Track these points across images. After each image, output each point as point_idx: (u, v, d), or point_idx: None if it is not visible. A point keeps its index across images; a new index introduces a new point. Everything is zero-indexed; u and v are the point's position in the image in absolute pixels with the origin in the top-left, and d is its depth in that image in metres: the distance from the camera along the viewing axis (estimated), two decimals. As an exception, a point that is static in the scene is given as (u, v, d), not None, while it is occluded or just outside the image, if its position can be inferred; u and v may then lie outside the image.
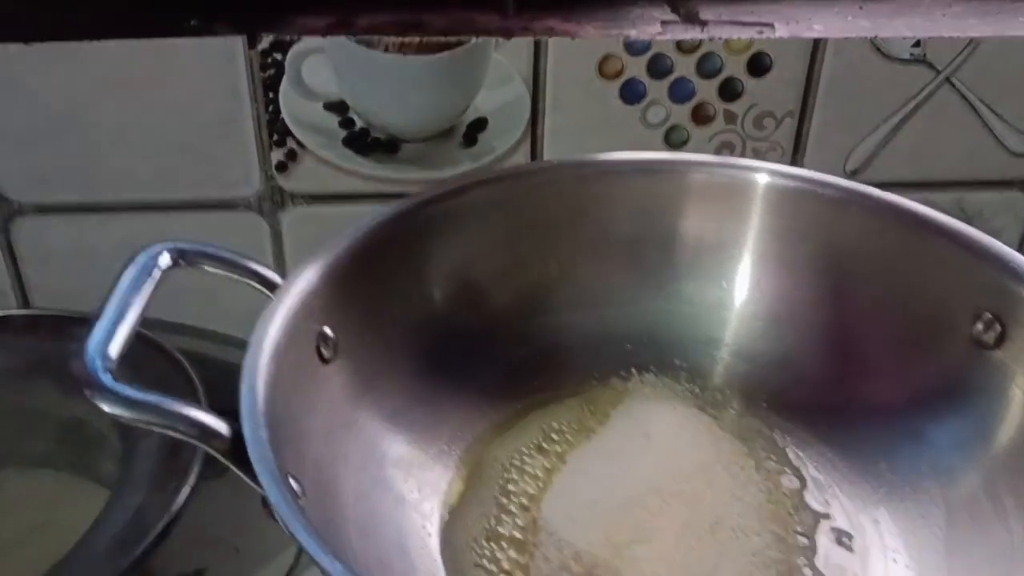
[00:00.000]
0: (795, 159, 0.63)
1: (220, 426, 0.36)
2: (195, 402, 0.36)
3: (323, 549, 0.31)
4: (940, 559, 0.42)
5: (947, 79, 0.61)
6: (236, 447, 0.35)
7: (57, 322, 0.61)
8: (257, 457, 0.34)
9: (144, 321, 0.61)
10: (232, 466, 0.36)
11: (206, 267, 0.43)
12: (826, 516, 0.46)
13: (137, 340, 0.58)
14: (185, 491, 0.49)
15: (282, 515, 0.32)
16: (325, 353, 0.43)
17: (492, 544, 0.44)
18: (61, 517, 0.54)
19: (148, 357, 0.57)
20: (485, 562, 0.43)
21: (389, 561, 0.41)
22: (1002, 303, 0.44)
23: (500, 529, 0.45)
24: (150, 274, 0.40)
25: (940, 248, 0.47)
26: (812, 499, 0.46)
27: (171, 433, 0.35)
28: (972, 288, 0.46)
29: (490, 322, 0.51)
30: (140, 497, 0.51)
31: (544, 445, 0.49)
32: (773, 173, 0.50)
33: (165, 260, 0.41)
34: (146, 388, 0.53)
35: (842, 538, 0.45)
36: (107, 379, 0.35)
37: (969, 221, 0.65)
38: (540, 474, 0.48)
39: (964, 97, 0.62)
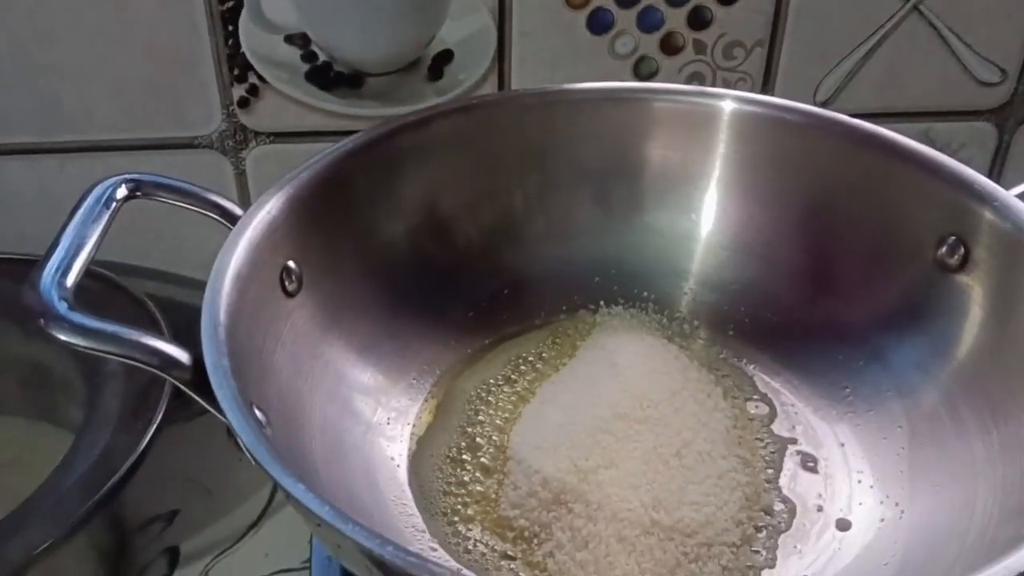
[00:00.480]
0: (765, 89, 0.63)
1: (181, 355, 0.35)
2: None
3: (287, 473, 0.31)
4: (903, 478, 0.43)
5: (915, 7, 0.61)
6: (198, 376, 0.35)
7: (18, 266, 0.60)
8: (219, 384, 0.34)
9: (110, 265, 0.60)
10: (194, 396, 0.35)
11: (164, 199, 0.42)
12: (792, 440, 0.46)
13: (102, 283, 0.58)
14: (151, 431, 0.49)
15: (245, 441, 0.32)
16: (289, 286, 0.43)
17: (460, 473, 0.44)
18: (26, 461, 0.54)
19: (112, 300, 0.57)
20: (453, 489, 0.43)
21: (356, 490, 0.41)
22: (966, 226, 0.44)
23: (468, 458, 0.45)
24: (107, 206, 0.40)
25: (907, 173, 0.47)
26: (778, 424, 0.47)
27: (130, 362, 0.35)
28: (937, 212, 0.46)
29: (457, 255, 0.50)
30: (105, 438, 0.50)
31: (512, 376, 0.49)
32: (739, 100, 0.50)
33: (121, 191, 0.40)
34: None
35: (807, 461, 0.45)
36: (62, 307, 0.34)
37: (938, 151, 0.66)
38: (508, 405, 0.48)
39: (933, 26, 0.61)
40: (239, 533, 0.52)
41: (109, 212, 0.39)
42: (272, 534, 0.52)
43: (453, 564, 0.39)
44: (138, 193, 0.41)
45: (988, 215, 0.44)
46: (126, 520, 0.53)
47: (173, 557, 0.51)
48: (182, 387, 0.35)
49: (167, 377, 0.35)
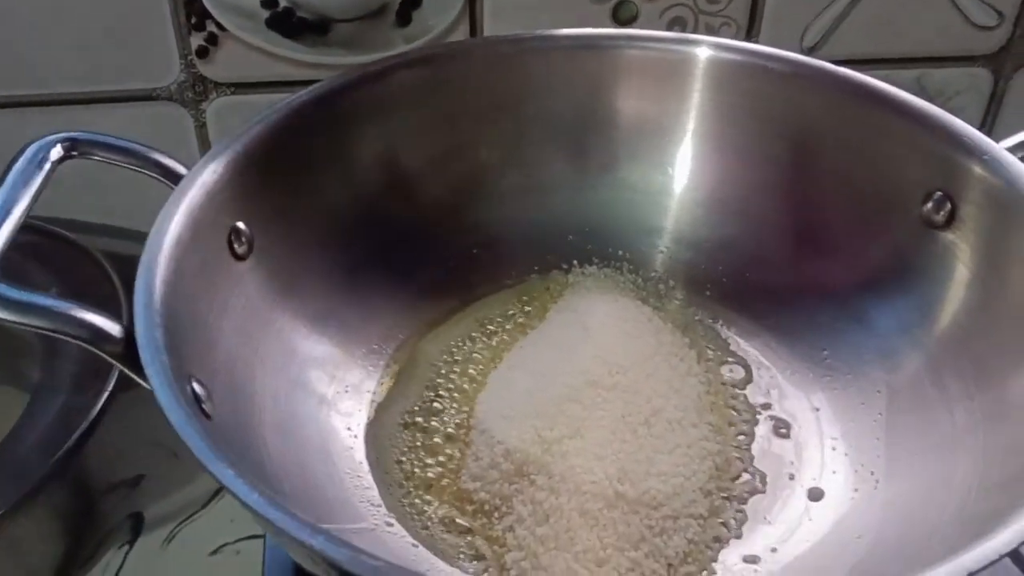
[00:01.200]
0: (750, 34, 0.60)
1: (112, 328, 0.33)
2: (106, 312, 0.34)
3: (216, 455, 0.29)
4: (880, 446, 0.41)
5: (909, -54, 0.58)
6: (130, 350, 0.33)
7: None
8: (149, 359, 0.32)
9: (69, 223, 0.58)
10: (127, 371, 0.33)
11: (103, 158, 0.40)
12: (766, 406, 0.44)
13: (58, 243, 0.56)
14: (105, 393, 0.47)
15: (172, 421, 0.30)
16: (238, 249, 0.41)
17: (421, 443, 0.43)
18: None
19: (69, 259, 0.55)
20: (413, 460, 0.42)
21: (310, 463, 0.40)
22: (954, 181, 0.42)
23: (429, 427, 0.43)
24: (39, 167, 0.37)
25: (893, 124, 0.44)
26: (752, 389, 0.45)
27: (60, 336, 0.33)
28: (924, 165, 0.44)
29: (422, 214, 0.48)
30: (62, 400, 0.49)
31: (480, 340, 0.48)
32: (716, 47, 0.47)
33: (56, 152, 0.38)
34: (36, 289, 0.52)
35: (780, 427, 0.43)
36: (-14, 280, 0.32)
37: (930, 100, 0.63)
38: (474, 371, 0.46)
39: (927, -35, 0.58)
40: (205, 498, 0.50)
41: (43, 174, 0.37)
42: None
43: (383, 559, 0.37)
44: (74, 153, 0.39)
45: (977, 169, 0.41)
46: (88, 485, 0.52)
47: (137, 522, 0.50)
48: (114, 362, 0.33)
49: (99, 352, 0.33)
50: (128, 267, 0.55)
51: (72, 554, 0.48)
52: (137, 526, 0.49)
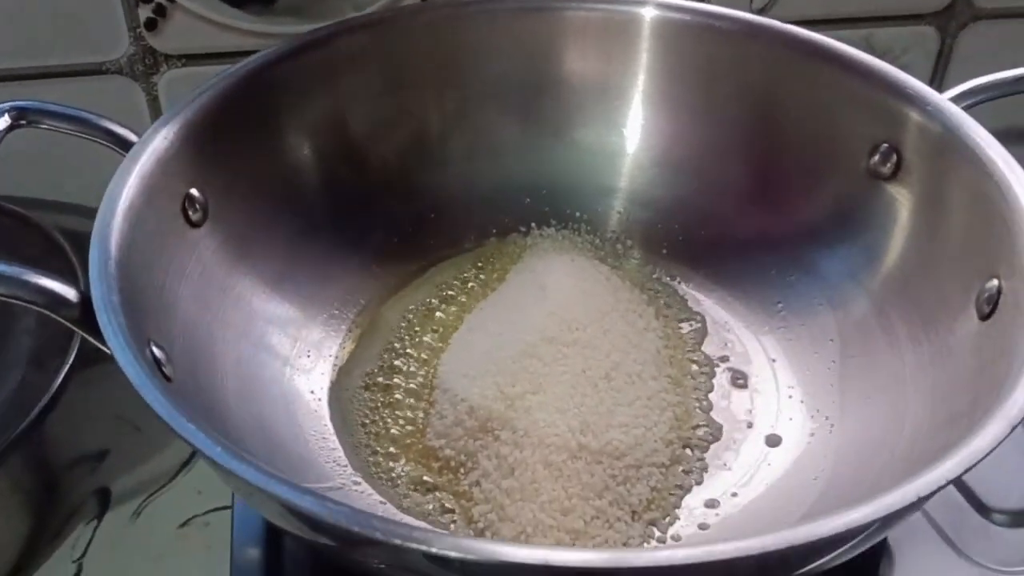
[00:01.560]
0: (700, -3, 0.60)
1: (68, 292, 0.33)
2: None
3: (179, 412, 0.29)
4: (834, 391, 0.42)
5: (854, -94, 0.58)
6: (87, 314, 0.33)
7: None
8: (107, 321, 0.32)
9: (24, 200, 0.57)
10: (85, 335, 0.33)
11: (53, 127, 0.40)
12: (723, 358, 0.45)
13: (10, 219, 0.55)
14: (65, 368, 0.47)
15: (133, 380, 0.30)
16: (193, 216, 0.41)
17: (384, 403, 0.43)
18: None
19: (21, 236, 0.54)
20: (377, 421, 0.42)
21: (274, 426, 0.40)
22: (899, 132, 0.43)
23: (393, 388, 0.43)
24: (-13, 136, 0.37)
25: (839, 79, 0.45)
26: (709, 343, 0.46)
27: (15, 301, 0.33)
28: (870, 118, 0.44)
29: (373, 179, 0.48)
30: (19, 376, 0.48)
31: (439, 303, 0.48)
32: (660, 6, 0.48)
33: (3, 121, 0.38)
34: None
35: (737, 378, 0.44)
36: (-65, 247, 0.32)
37: (879, 58, 0.64)
38: (434, 333, 0.46)
39: (872, -75, 0.59)
40: (172, 471, 0.50)
41: (-10, 143, 0.37)
42: (205, 471, 0.50)
43: (356, 502, 0.37)
44: (23, 122, 0.39)
45: (918, 118, 0.42)
46: (51, 460, 0.51)
47: (104, 497, 0.49)
48: (72, 326, 0.33)
49: (55, 316, 0.33)
50: (81, 241, 0.54)
51: (39, 531, 0.48)
52: (104, 501, 0.49)
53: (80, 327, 0.33)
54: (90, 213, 0.61)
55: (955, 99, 0.44)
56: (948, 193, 0.41)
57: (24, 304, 0.33)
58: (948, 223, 0.41)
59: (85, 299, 0.33)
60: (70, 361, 0.48)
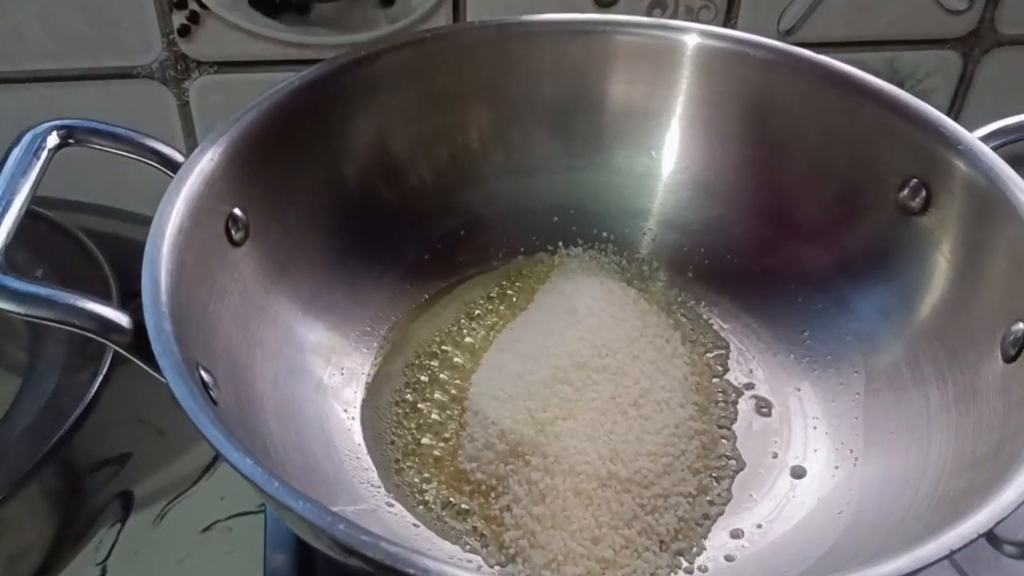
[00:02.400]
0: (728, 18, 0.61)
1: (121, 319, 0.34)
2: (95, 293, 0.34)
3: (233, 445, 0.30)
4: (858, 425, 0.43)
5: (884, -68, 0.59)
6: (139, 340, 0.33)
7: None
8: (161, 350, 0.32)
9: (49, 202, 0.58)
10: (136, 360, 0.34)
11: (99, 146, 0.40)
12: (749, 386, 0.46)
13: (41, 223, 0.56)
14: (99, 377, 0.48)
15: (188, 410, 0.30)
16: (235, 235, 0.41)
17: (416, 425, 0.43)
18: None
19: (52, 242, 0.55)
20: (409, 441, 0.43)
21: (310, 446, 0.41)
22: (929, 168, 0.44)
23: (424, 410, 0.44)
24: (37, 156, 0.37)
25: (871, 112, 0.46)
26: (736, 370, 0.47)
27: (68, 328, 0.33)
28: (901, 153, 0.45)
29: (410, 196, 0.49)
30: (52, 384, 0.49)
31: (469, 323, 0.48)
32: (703, 34, 0.48)
33: (53, 140, 0.38)
34: (42, 279, 0.51)
35: (763, 407, 0.45)
36: (-7, 272, 0.32)
37: (901, 82, 0.65)
38: (465, 353, 0.47)
39: (901, -49, 0.60)
40: (194, 476, 0.51)
41: (40, 163, 0.37)
42: (227, 476, 0.50)
43: (395, 533, 0.38)
44: (71, 141, 0.39)
45: (951, 158, 0.43)
46: (77, 464, 0.52)
47: (127, 501, 0.50)
48: (123, 352, 0.34)
49: (106, 342, 0.33)
50: (108, 243, 0.55)
51: (63, 533, 0.48)
52: (128, 505, 0.50)
53: (131, 352, 0.34)
54: (116, 214, 0.63)
55: (986, 138, 0.44)
56: (977, 234, 0.42)
57: (75, 330, 0.33)
58: (977, 263, 0.42)
59: (137, 324, 0.34)
60: (104, 370, 0.48)
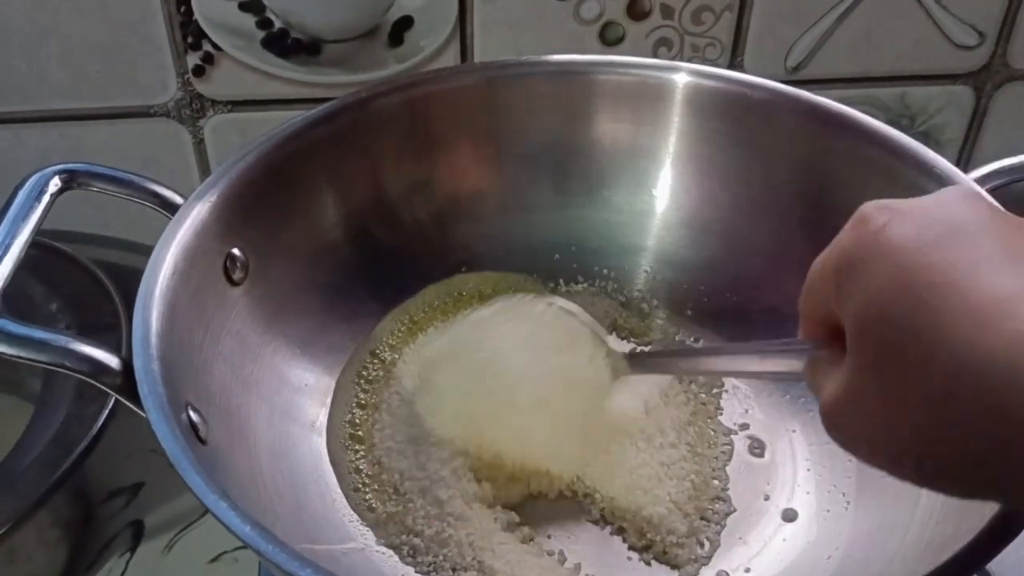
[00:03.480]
0: (735, 55, 0.61)
1: (111, 360, 0.35)
2: (106, 326, 0.35)
3: (209, 488, 0.31)
4: (851, 468, 0.43)
5: (891, -32, 0.59)
6: (128, 381, 0.34)
7: (-24, 238, 0.59)
8: (147, 391, 0.33)
9: (67, 236, 0.60)
10: (126, 401, 0.35)
11: (101, 189, 0.42)
12: (743, 426, 0.46)
13: (57, 258, 0.57)
14: (108, 406, 0.49)
15: (168, 451, 0.31)
16: (234, 275, 0.42)
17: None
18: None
19: (68, 275, 0.56)
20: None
21: (303, 484, 0.41)
22: (924, 210, 0.43)
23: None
24: (39, 200, 0.39)
25: (866, 152, 0.46)
26: (730, 409, 0.47)
27: (60, 370, 0.34)
28: (896, 193, 0.44)
29: (408, 236, 0.49)
30: (63, 413, 0.50)
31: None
32: (693, 73, 0.49)
33: (55, 184, 0.40)
34: (56, 312, 0.53)
35: (756, 448, 0.45)
36: (-11, 315, 0.34)
37: (913, 117, 0.64)
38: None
39: (908, -12, 0.60)
40: (203, 507, 0.51)
41: (41, 207, 0.39)
42: (236, 508, 0.52)
43: None
44: (73, 184, 0.40)
45: (943, 197, 0.43)
46: (89, 493, 0.53)
47: (138, 530, 0.51)
48: (114, 393, 0.35)
49: (98, 384, 0.35)
50: (122, 277, 0.56)
51: (74, 561, 0.50)
52: (138, 534, 0.51)
53: (121, 394, 0.35)
54: (128, 246, 0.64)
55: (982, 179, 0.44)
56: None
57: (68, 372, 0.34)
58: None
59: (127, 365, 0.35)
60: (112, 401, 0.49)
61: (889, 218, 0.27)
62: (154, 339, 0.35)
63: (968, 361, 0.23)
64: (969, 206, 0.27)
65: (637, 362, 0.41)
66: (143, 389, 0.33)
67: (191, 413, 0.35)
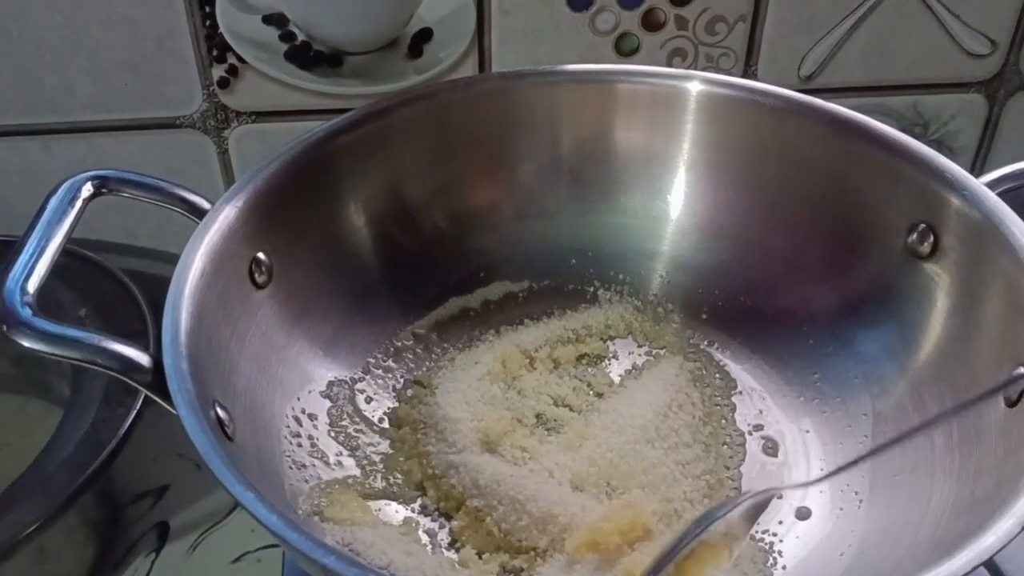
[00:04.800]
0: (748, 65, 0.62)
1: (142, 358, 0.36)
2: (133, 331, 0.36)
3: (237, 479, 0.32)
4: (864, 467, 0.43)
5: (902, -22, 0.60)
6: (158, 378, 0.36)
7: (7, 247, 0.60)
8: (177, 388, 0.34)
9: (95, 244, 0.61)
10: (156, 397, 0.36)
11: (131, 195, 0.43)
12: (757, 427, 0.47)
13: (86, 265, 0.59)
14: (135, 409, 0.50)
15: (198, 445, 0.32)
16: (259, 278, 0.44)
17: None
18: (16, 439, 0.55)
19: (96, 282, 0.58)
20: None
21: (325, 480, 0.42)
22: (937, 214, 0.44)
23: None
24: (71, 204, 0.40)
25: (879, 158, 0.47)
26: (744, 410, 0.47)
27: (92, 367, 0.36)
28: (909, 198, 0.46)
29: (429, 241, 0.51)
30: (91, 416, 0.51)
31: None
32: (706, 82, 0.49)
33: (87, 190, 0.41)
34: (84, 318, 0.54)
35: (770, 447, 0.46)
36: (25, 314, 0.35)
37: (926, 125, 0.65)
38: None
39: (920, -3, 0.60)
40: (227, 508, 0.53)
41: (75, 211, 0.40)
42: (259, 509, 0.53)
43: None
44: (104, 190, 0.42)
45: (957, 203, 0.43)
46: (116, 495, 0.54)
47: (163, 531, 0.52)
48: (144, 389, 0.36)
49: (129, 381, 0.36)
50: (149, 284, 0.58)
51: (101, 561, 0.51)
52: (163, 535, 0.52)
53: (151, 390, 0.36)
54: (154, 255, 0.66)
55: (993, 183, 0.45)
56: (982, 278, 0.42)
57: (100, 369, 0.36)
58: (982, 308, 0.42)
59: (157, 363, 0.36)
60: (138, 404, 0.50)
61: None
62: (183, 338, 0.36)
63: None
64: None
65: None
66: (173, 386, 0.34)
67: (218, 410, 0.37)
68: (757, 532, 0.42)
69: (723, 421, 0.47)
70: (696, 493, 0.43)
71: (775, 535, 0.42)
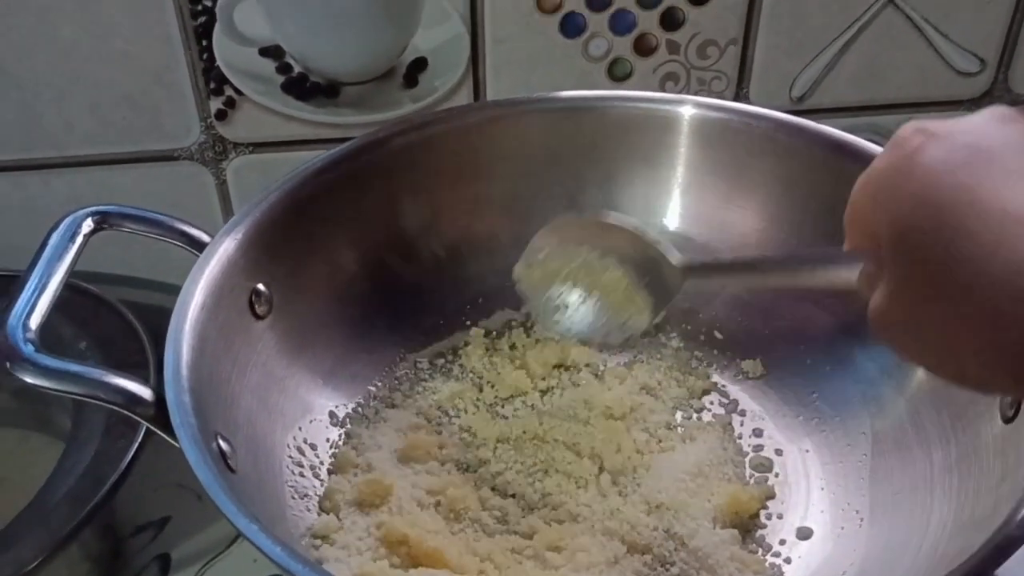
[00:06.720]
0: (740, 87, 0.62)
1: (144, 392, 0.36)
2: (133, 364, 0.36)
3: (240, 511, 0.32)
4: (864, 486, 0.44)
5: (891, 0, 0.60)
6: (160, 412, 0.36)
7: (7, 282, 0.61)
8: (179, 422, 0.35)
9: (95, 276, 0.61)
10: (159, 431, 0.36)
11: (131, 230, 0.43)
12: (757, 447, 0.47)
13: (86, 298, 0.59)
14: (136, 442, 0.50)
15: (201, 478, 0.33)
16: (259, 309, 0.44)
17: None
18: (17, 473, 0.55)
19: (97, 315, 0.58)
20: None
21: (327, 511, 0.42)
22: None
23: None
24: (72, 240, 0.40)
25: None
26: (743, 431, 0.48)
27: (95, 401, 0.36)
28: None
29: (426, 269, 0.51)
30: (92, 450, 0.51)
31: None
32: (699, 106, 0.50)
33: (88, 225, 0.41)
34: (85, 351, 0.54)
35: (771, 467, 0.46)
36: (27, 350, 0.35)
37: (918, 143, 0.65)
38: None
39: (909, 18, 0.61)
40: (229, 539, 0.52)
41: (75, 247, 0.40)
42: (261, 540, 0.53)
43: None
44: (105, 225, 0.42)
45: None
46: (117, 527, 0.54)
47: (164, 563, 0.52)
48: (147, 423, 0.36)
49: (132, 415, 0.36)
50: (149, 316, 0.58)
51: (103, 595, 0.51)
52: (165, 567, 0.52)
53: (154, 424, 0.36)
54: (155, 286, 0.66)
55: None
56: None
57: (103, 404, 0.36)
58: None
59: (159, 397, 0.36)
60: (139, 437, 0.50)
61: (922, 141, 0.29)
62: (185, 372, 0.37)
63: (983, 278, 0.26)
64: (1002, 127, 0.28)
65: (691, 274, 0.41)
66: (175, 419, 0.35)
67: (221, 442, 0.37)
68: (757, 555, 0.42)
69: (723, 441, 0.47)
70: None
71: (778, 555, 0.42)
